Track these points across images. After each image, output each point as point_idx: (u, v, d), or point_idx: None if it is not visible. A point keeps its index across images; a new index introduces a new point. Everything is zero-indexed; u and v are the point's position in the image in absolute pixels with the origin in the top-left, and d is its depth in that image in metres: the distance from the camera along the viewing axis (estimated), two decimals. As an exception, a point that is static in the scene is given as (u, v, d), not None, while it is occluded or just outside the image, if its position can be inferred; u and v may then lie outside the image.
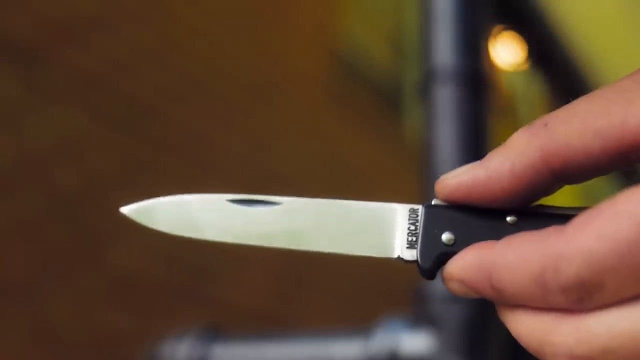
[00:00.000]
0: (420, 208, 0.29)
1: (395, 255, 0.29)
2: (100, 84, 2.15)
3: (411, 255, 0.29)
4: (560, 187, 0.27)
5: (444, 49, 0.70)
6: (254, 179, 2.72)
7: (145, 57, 2.32)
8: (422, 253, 0.28)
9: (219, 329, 0.77)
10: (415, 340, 0.65)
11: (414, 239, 0.29)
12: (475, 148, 0.67)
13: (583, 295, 0.23)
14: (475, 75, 0.69)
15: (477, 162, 0.28)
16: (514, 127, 0.27)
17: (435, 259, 0.28)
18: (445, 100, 0.68)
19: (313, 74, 3.12)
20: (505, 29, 4.61)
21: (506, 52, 4.81)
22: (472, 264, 0.26)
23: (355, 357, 0.66)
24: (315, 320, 2.82)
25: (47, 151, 1.98)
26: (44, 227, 1.94)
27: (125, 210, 0.31)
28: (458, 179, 0.28)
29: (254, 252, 2.68)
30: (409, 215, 0.29)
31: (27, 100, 1.95)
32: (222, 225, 0.31)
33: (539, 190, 0.27)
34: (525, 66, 5.17)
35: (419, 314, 0.66)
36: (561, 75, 5.41)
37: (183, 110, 2.44)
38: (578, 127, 0.25)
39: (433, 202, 0.29)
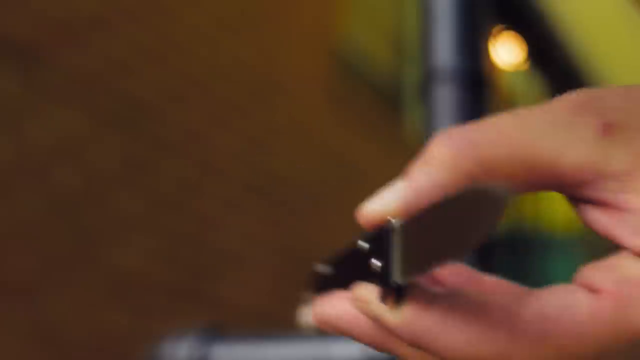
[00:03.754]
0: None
1: None
2: (100, 84, 2.16)
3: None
4: None
5: (444, 49, 0.70)
6: (254, 179, 2.72)
7: (145, 57, 2.32)
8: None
9: (219, 329, 0.77)
10: (415, 340, 0.65)
11: None
12: (475, 148, 0.66)
13: None
14: (475, 75, 0.69)
15: (402, 185, 0.26)
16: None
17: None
18: (445, 100, 0.68)
19: (313, 74, 3.12)
20: (505, 29, 4.61)
21: (506, 52, 4.81)
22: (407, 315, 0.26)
23: (355, 357, 0.66)
24: (315, 320, 2.81)
25: (47, 151, 1.98)
26: (44, 227, 1.94)
27: None
28: (390, 208, 0.27)
29: (254, 252, 2.68)
30: None
31: (27, 100, 1.95)
32: None
33: None
34: (525, 66, 5.17)
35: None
36: (561, 75, 5.42)
37: (183, 110, 2.44)
38: (508, 153, 0.25)
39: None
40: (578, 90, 0.26)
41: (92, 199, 2.08)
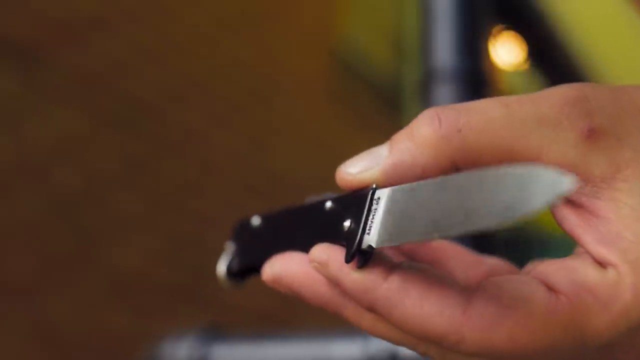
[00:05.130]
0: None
1: None
2: (100, 84, 2.15)
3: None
4: None
5: (444, 49, 0.70)
6: (254, 179, 2.72)
7: (145, 57, 2.32)
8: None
9: (219, 329, 0.77)
10: (415, 340, 0.65)
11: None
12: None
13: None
14: (475, 75, 0.69)
15: (384, 154, 0.27)
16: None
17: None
18: (445, 100, 0.68)
19: (313, 74, 3.12)
20: (505, 29, 4.61)
21: (506, 52, 4.81)
22: (359, 284, 0.26)
23: (355, 357, 0.66)
24: (315, 320, 2.81)
25: (47, 151, 1.98)
26: (44, 227, 1.94)
27: None
28: (368, 174, 0.28)
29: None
30: None
31: (27, 100, 1.95)
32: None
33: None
34: (525, 66, 5.17)
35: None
36: (561, 75, 5.42)
37: (183, 110, 2.44)
38: (492, 143, 0.25)
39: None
40: (569, 85, 0.26)
41: (92, 199, 2.08)
